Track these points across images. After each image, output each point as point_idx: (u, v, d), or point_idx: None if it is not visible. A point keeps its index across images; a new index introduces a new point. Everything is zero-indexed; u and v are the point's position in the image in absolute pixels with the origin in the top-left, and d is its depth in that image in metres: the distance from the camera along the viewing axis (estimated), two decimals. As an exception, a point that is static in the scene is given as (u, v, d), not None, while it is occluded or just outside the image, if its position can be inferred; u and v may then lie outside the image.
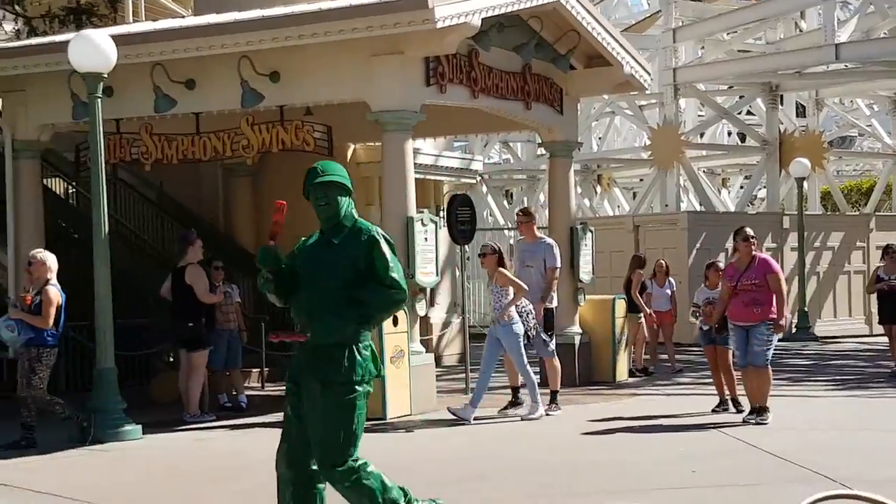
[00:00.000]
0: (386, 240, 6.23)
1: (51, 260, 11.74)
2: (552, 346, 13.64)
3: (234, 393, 14.54)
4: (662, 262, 18.84)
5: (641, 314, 17.85)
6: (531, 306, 13.12)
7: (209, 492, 9.47)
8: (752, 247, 12.27)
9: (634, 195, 32.04)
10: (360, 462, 6.02)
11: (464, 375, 15.85)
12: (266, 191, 18.02)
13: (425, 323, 17.93)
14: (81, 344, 13.98)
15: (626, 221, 25.05)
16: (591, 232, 17.69)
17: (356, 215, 6.38)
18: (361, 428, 6.08)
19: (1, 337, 11.58)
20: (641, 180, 31.41)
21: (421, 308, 14.42)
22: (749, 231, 12.35)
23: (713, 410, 12.95)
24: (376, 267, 6.08)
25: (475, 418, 12.77)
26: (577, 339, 16.80)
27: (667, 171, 25.45)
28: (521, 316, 12.90)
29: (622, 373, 17.20)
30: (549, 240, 14.03)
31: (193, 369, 13.27)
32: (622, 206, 31.14)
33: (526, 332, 13.00)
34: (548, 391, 13.39)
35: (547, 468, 9.91)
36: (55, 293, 11.44)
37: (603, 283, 20.34)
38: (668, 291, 18.45)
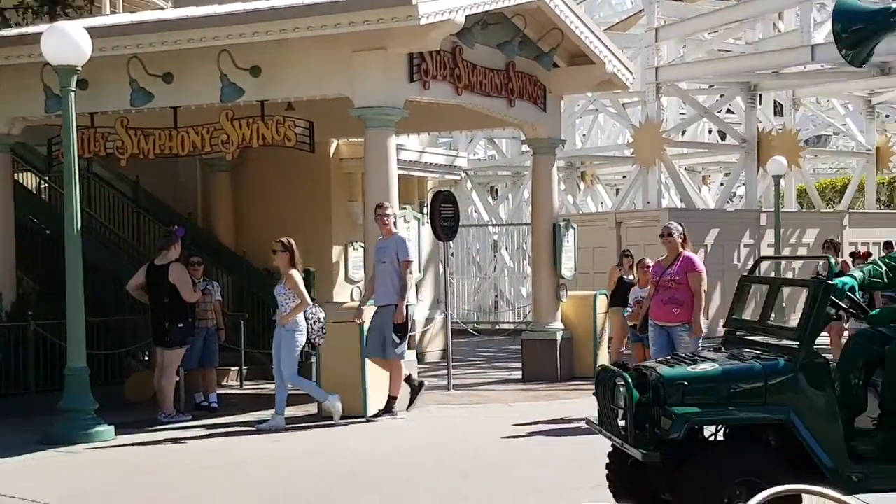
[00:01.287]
0: None
1: None
2: (401, 348, 12.88)
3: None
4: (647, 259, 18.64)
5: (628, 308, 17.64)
6: (322, 315, 12.69)
7: (180, 494, 9.25)
8: (676, 242, 11.90)
9: (617, 192, 31.96)
10: None
11: (446, 371, 15.71)
12: (246, 186, 17.84)
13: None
14: (53, 342, 13.64)
15: (609, 218, 25.05)
16: (574, 228, 17.69)
17: None
18: None
19: None
20: (624, 177, 31.40)
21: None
22: (672, 226, 12.07)
23: None
24: None
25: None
26: (560, 335, 16.77)
27: (649, 169, 25.47)
28: (308, 323, 12.46)
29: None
30: (400, 234, 13.43)
31: (166, 367, 13.03)
32: (605, 203, 31.07)
33: (309, 340, 12.50)
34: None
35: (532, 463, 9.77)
36: None
37: (585, 280, 20.23)
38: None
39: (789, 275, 23.02)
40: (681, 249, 11.85)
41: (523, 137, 19.29)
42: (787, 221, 24.13)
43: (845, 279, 6.70)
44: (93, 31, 12.27)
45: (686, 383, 6.46)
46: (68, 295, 11.88)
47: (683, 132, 29.56)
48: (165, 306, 13.07)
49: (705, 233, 22.78)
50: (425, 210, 17.76)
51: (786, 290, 7.28)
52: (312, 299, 12.76)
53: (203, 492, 9.31)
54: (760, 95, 26.24)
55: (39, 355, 13.78)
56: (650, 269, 12.65)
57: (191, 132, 14.38)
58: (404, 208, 14.40)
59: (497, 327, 27.34)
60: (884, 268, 6.94)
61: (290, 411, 12.65)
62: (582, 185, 31.33)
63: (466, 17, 13.36)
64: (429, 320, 20.39)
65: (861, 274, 6.80)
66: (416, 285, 17.32)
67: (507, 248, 29.42)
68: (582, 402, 13.94)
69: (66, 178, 12.07)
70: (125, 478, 10.08)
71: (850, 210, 29.01)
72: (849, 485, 6.14)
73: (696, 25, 26.19)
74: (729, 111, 30.40)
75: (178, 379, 13.44)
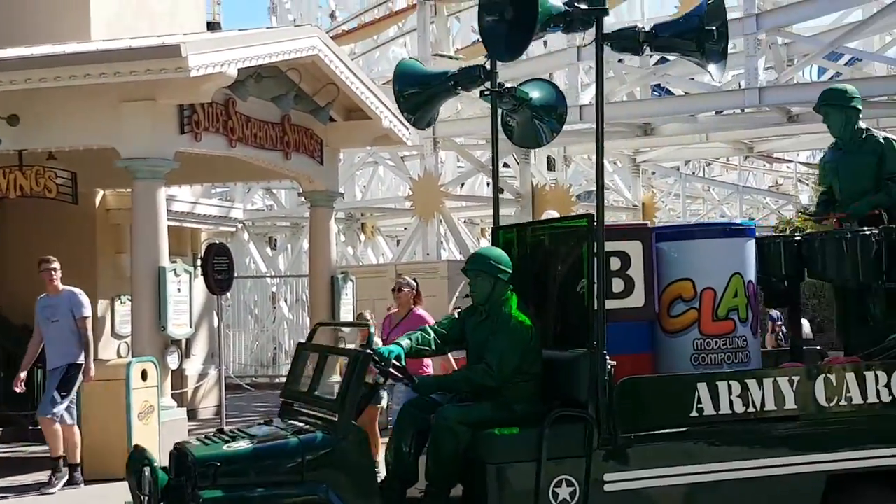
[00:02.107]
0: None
1: None
2: (59, 408, 12.04)
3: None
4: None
5: None
6: None
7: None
8: (408, 298, 12.09)
9: (398, 243, 32.23)
10: None
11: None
12: (5, 237, 17.15)
13: (180, 376, 17.66)
14: None
15: (389, 270, 25.09)
16: (352, 281, 17.96)
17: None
18: None
19: None
20: (405, 229, 31.65)
21: (173, 361, 14.17)
22: (404, 281, 12.34)
23: None
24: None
25: None
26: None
27: (427, 221, 25.75)
28: None
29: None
30: (75, 289, 12.73)
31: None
32: (386, 255, 31.28)
33: None
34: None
35: None
36: None
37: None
38: None
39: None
40: (412, 306, 12.01)
41: (300, 190, 19.34)
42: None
43: (391, 347, 6.60)
44: None
45: (218, 464, 6.08)
46: None
47: (462, 185, 30.08)
48: None
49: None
50: (198, 262, 17.50)
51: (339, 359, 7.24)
52: None
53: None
54: (535, 151, 26.95)
55: None
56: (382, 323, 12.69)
57: (-60, 181, 13.96)
58: (175, 261, 14.15)
59: (276, 381, 27.02)
60: (432, 335, 6.93)
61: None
62: (363, 237, 31.56)
63: (239, 70, 13.39)
64: (202, 375, 20.09)
65: (409, 342, 6.72)
66: (189, 339, 17.05)
67: (286, 300, 29.34)
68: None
69: None
70: None
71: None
72: None
73: (473, 82, 26.85)
74: (505, 165, 31.16)
75: None
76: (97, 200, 17.46)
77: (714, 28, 6.55)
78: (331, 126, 16.91)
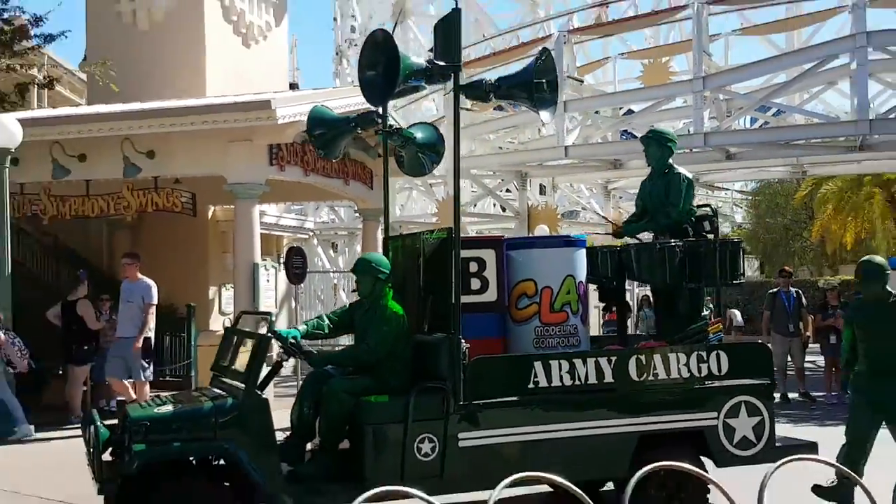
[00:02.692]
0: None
1: None
2: (149, 372, 12.04)
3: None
4: None
5: None
6: (18, 340, 11.63)
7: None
8: None
9: (427, 248, 32.38)
10: None
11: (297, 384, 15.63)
12: (144, 241, 17.47)
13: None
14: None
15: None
16: None
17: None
18: None
19: None
20: (434, 237, 31.84)
21: (262, 331, 14.20)
22: None
23: None
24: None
25: None
26: None
27: (451, 231, 25.89)
28: (13, 345, 11.44)
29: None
30: (149, 280, 12.33)
31: (74, 380, 12.90)
32: (420, 257, 31.39)
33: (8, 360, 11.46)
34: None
35: None
36: None
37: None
38: None
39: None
40: None
41: (356, 208, 19.57)
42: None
43: (290, 330, 6.35)
44: (24, 122, 12.19)
45: (148, 423, 5.78)
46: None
47: (475, 205, 30.17)
48: (73, 332, 12.94)
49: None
50: (281, 260, 17.81)
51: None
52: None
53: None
54: (529, 180, 26.93)
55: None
56: None
57: (99, 199, 14.24)
58: (265, 259, 14.49)
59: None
60: (327, 321, 6.66)
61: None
62: (401, 243, 31.52)
63: None
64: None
65: (305, 326, 6.50)
66: (274, 317, 17.36)
67: (344, 290, 29.36)
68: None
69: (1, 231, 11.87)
70: (47, 464, 9.91)
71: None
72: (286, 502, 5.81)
73: (483, 129, 26.74)
74: (507, 191, 31.24)
75: (85, 389, 13.19)
76: (209, 214, 17.71)
77: (543, 81, 6.26)
78: (378, 161, 16.63)
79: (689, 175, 7.66)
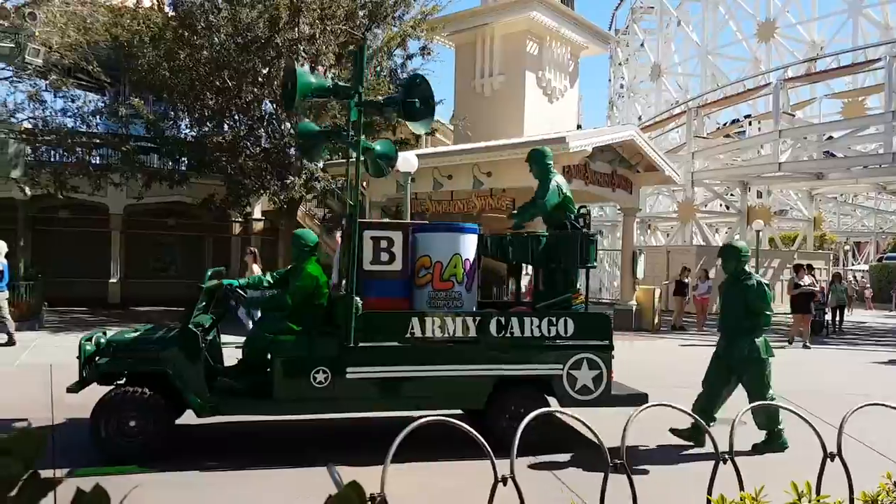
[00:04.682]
0: None
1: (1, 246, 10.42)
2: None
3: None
4: (705, 269, 18.25)
5: (689, 296, 17.43)
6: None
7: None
8: None
9: (667, 235, 31.03)
10: None
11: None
12: (483, 227, 18.25)
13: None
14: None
15: (662, 249, 24.42)
16: (643, 253, 17.48)
17: None
18: None
19: None
20: (672, 227, 30.48)
21: None
22: None
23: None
24: None
25: None
26: (633, 307, 16.36)
27: (686, 224, 24.73)
28: None
29: (655, 326, 16.62)
30: None
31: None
32: (660, 241, 30.25)
33: None
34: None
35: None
36: None
37: (647, 280, 19.92)
38: (707, 286, 17.19)
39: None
40: None
41: (619, 207, 19.16)
42: (763, 255, 22.98)
43: (232, 281, 5.67)
44: (419, 156, 12.85)
45: (115, 345, 5.19)
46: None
47: (706, 205, 28.53)
48: None
49: (714, 261, 22.07)
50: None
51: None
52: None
53: None
54: (749, 187, 25.08)
55: None
56: None
57: (458, 202, 14.89)
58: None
59: (599, 301, 26.92)
60: (268, 276, 5.95)
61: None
62: (648, 231, 30.64)
63: (592, 148, 13.46)
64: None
65: (246, 280, 5.81)
66: (224, 270, 17.34)
67: (606, 263, 29.12)
68: (644, 344, 13.99)
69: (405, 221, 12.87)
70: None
71: (798, 250, 27.24)
72: (208, 411, 5.13)
73: (714, 151, 25.42)
74: (731, 194, 29.25)
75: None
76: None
77: (416, 100, 5.42)
78: (637, 174, 16.49)
79: (561, 179, 6.61)
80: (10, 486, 0.62)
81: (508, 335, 5.50)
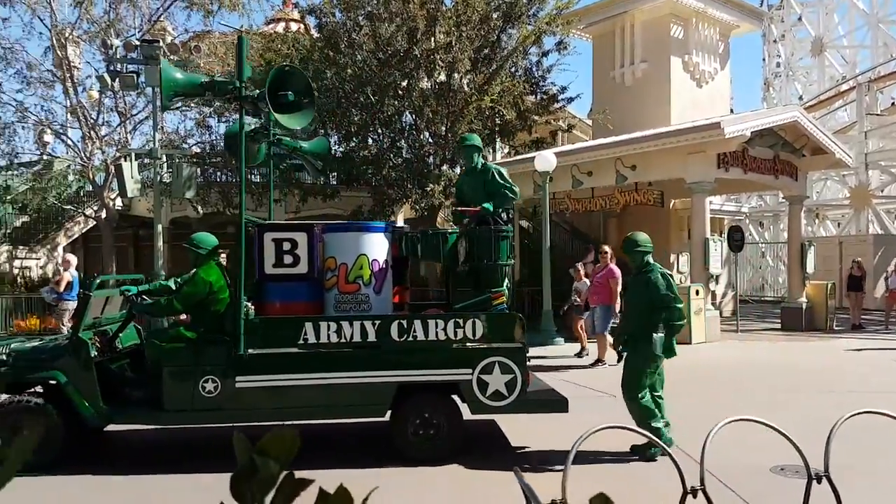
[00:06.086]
0: None
1: (71, 258, 10.96)
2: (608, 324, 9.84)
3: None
4: None
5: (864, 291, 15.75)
6: None
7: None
8: (606, 257, 9.72)
9: (838, 224, 28.01)
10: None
11: (734, 322, 14.61)
12: (625, 224, 17.59)
13: (713, 293, 16.80)
14: (534, 298, 14.27)
15: (833, 240, 22.06)
16: (813, 246, 15.98)
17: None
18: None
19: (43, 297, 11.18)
20: (843, 216, 27.46)
21: (713, 286, 13.79)
22: (604, 248, 10.09)
23: None
24: None
25: None
26: (804, 305, 15.02)
27: (860, 211, 22.13)
28: None
29: (829, 326, 15.08)
30: (616, 269, 9.84)
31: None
32: (830, 231, 27.36)
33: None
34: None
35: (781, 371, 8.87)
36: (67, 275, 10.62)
37: (819, 275, 18.18)
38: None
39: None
40: (609, 262, 9.71)
41: (782, 195, 17.57)
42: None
43: (130, 287, 5.49)
44: (556, 154, 12.87)
45: (13, 353, 5.15)
46: (543, 278, 12.43)
47: (882, 190, 25.41)
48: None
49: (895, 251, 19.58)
50: (724, 236, 16.75)
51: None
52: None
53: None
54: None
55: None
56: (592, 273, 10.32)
57: (599, 199, 14.65)
58: (712, 235, 13.68)
59: (762, 299, 25.03)
60: (171, 282, 5.69)
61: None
62: (816, 221, 27.84)
63: (751, 133, 12.56)
64: (724, 293, 19.19)
65: (148, 286, 5.57)
66: (718, 275, 16.37)
67: (769, 257, 26.80)
68: (817, 345, 12.65)
69: (543, 222, 12.68)
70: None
71: None
72: (99, 420, 4.98)
73: (890, 129, 22.77)
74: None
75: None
76: (671, 204, 17.20)
77: (287, 92, 5.13)
78: (802, 159, 15.15)
79: (503, 169, 6.03)
80: (270, 486, 0.67)
81: (410, 339, 5.14)
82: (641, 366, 5.26)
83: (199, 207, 16.13)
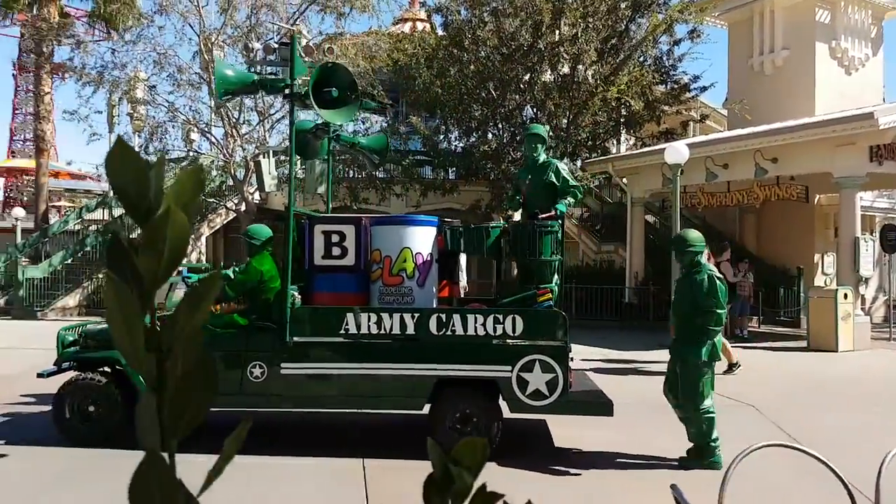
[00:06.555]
0: None
1: None
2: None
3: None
4: None
5: None
6: None
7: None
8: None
9: None
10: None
11: (887, 329, 13.36)
12: (765, 221, 16.62)
13: (863, 297, 15.47)
14: (661, 299, 13.80)
15: None
16: None
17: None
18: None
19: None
20: None
21: (862, 289, 12.88)
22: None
23: None
24: None
25: None
26: None
27: None
28: None
29: None
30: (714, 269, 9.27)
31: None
32: None
33: None
34: None
35: None
36: None
37: None
38: None
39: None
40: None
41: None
42: None
43: (192, 275, 5.57)
44: (689, 146, 12.24)
45: (85, 336, 5.53)
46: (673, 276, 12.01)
47: None
48: None
49: None
50: (875, 235, 15.38)
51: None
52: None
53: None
54: None
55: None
56: None
57: (736, 193, 14.00)
58: (864, 234, 12.62)
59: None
60: (229, 270, 5.96)
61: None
62: None
63: None
64: (874, 298, 17.50)
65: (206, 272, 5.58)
66: (869, 277, 15.08)
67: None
68: None
69: (672, 217, 12.27)
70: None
71: None
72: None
73: None
74: None
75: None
76: (815, 200, 16.02)
77: (331, 89, 5.37)
78: None
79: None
80: (464, 497, 0.64)
81: (449, 333, 5.14)
82: (695, 377, 5.01)
83: (329, 202, 16.96)
